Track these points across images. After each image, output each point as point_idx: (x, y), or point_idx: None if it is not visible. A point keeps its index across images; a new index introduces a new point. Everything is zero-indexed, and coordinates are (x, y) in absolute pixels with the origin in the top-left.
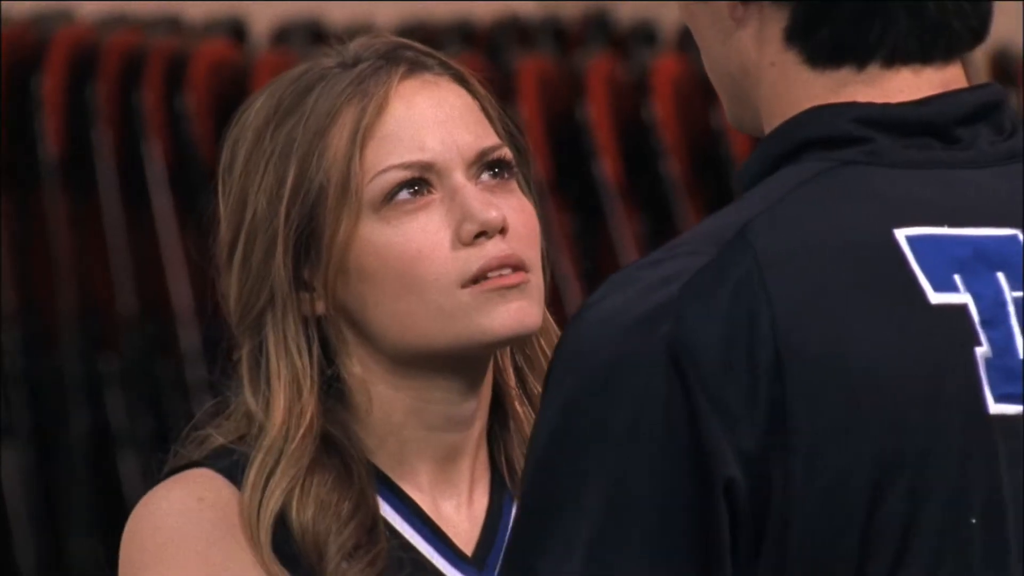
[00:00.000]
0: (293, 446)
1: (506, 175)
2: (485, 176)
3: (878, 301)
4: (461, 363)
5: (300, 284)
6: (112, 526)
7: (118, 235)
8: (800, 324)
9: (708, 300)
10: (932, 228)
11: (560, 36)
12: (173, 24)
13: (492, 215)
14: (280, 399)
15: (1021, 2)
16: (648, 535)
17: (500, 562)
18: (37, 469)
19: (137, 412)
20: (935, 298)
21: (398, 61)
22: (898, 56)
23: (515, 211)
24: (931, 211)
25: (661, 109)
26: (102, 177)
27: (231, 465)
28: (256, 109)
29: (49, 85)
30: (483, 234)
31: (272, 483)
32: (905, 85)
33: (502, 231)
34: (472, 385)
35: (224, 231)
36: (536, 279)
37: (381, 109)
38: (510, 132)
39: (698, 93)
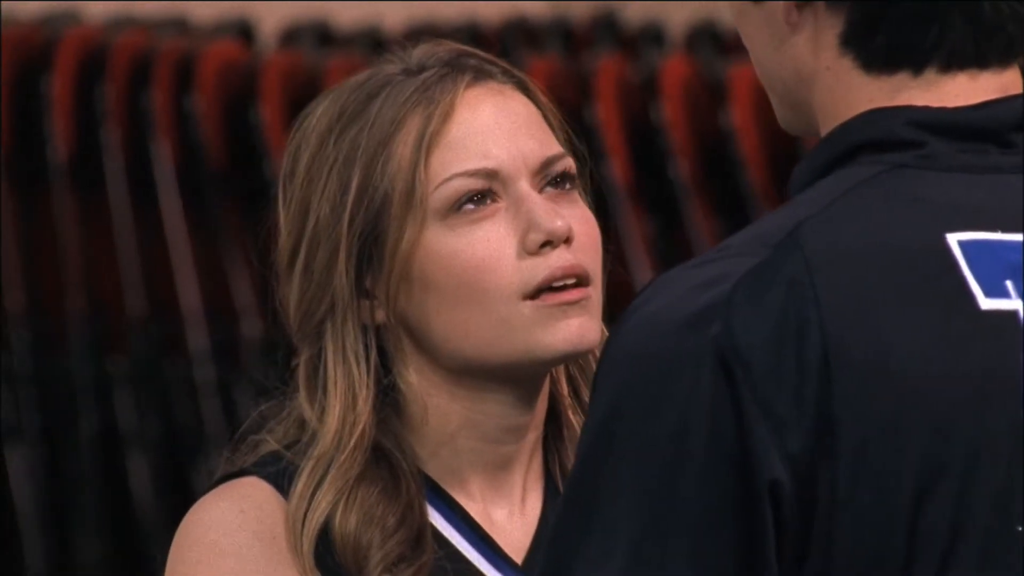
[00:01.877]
0: (343, 456)
1: (568, 186)
2: (549, 188)
3: (927, 306)
4: (518, 376)
5: (361, 292)
6: (120, 527)
7: (126, 235)
8: (848, 327)
9: (758, 301)
10: (985, 233)
11: (568, 37)
12: (181, 25)
13: (558, 224)
14: (335, 407)
15: None
16: (692, 537)
17: (540, 559)
18: (45, 470)
19: (145, 413)
20: (986, 304)
21: (463, 69)
22: (954, 61)
23: (579, 221)
24: (984, 216)
25: (670, 110)
26: (110, 178)
27: (278, 472)
28: (319, 115)
29: (57, 86)
30: (548, 243)
31: (319, 494)
32: (961, 90)
33: (567, 241)
34: (528, 397)
35: (285, 238)
36: (597, 293)
37: (447, 117)
38: (572, 142)
39: (706, 94)
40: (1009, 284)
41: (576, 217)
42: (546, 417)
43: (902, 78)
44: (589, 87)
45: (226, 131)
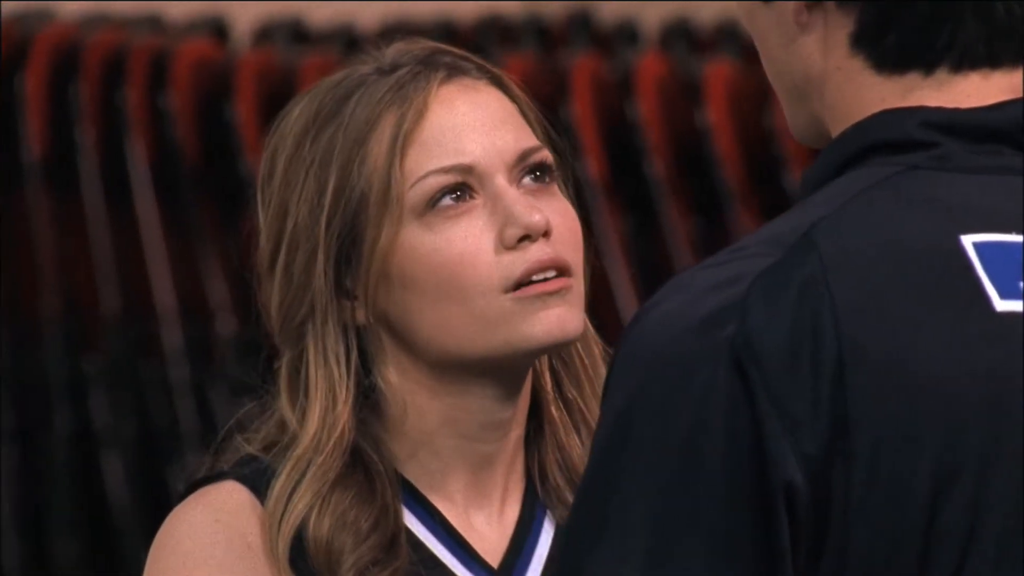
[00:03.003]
0: (322, 459)
1: (547, 179)
2: (527, 180)
3: (942, 307)
4: (501, 370)
5: (341, 293)
6: (95, 526)
7: (101, 235)
8: (863, 328)
9: (773, 302)
10: (999, 235)
11: (543, 35)
12: (155, 23)
13: (536, 218)
14: (315, 409)
15: None
16: (707, 538)
17: (555, 564)
18: (20, 469)
19: (121, 412)
20: (1000, 305)
21: (436, 66)
22: (966, 61)
23: (558, 214)
24: (999, 217)
25: (645, 108)
26: (85, 177)
27: (255, 474)
28: (295, 117)
29: (31, 84)
30: (527, 238)
31: (296, 496)
32: (973, 90)
33: (545, 234)
34: (510, 392)
35: (265, 240)
36: (578, 284)
37: (421, 115)
38: (549, 135)
39: (682, 93)
40: (1023, 285)
41: (555, 210)
42: (529, 413)
43: (913, 78)
44: (565, 85)
45: (201, 129)
